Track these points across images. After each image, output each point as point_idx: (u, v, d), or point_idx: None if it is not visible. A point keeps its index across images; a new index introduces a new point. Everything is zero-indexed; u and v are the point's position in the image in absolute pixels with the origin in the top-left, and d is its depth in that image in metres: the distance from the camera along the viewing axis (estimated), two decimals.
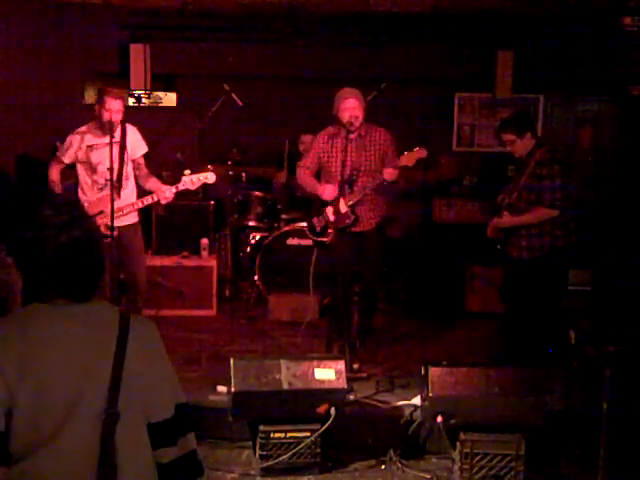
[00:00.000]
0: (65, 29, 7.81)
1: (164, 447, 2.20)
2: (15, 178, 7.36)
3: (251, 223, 7.30)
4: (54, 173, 5.47)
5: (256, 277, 6.94)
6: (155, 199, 5.36)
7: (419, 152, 5.13)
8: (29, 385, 2.05)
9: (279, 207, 7.27)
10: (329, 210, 5.36)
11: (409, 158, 5.14)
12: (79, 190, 5.47)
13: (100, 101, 5.29)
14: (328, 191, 5.32)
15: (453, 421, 4.17)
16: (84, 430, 2.07)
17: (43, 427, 2.06)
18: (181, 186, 5.38)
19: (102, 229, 5.07)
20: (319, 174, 5.57)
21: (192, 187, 5.44)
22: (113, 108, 5.20)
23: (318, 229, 5.49)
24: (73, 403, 2.06)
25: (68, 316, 2.14)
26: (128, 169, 5.39)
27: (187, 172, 5.69)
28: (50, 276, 2.15)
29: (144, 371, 2.15)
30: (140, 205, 5.40)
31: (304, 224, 6.84)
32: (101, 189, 5.34)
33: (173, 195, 5.37)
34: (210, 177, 5.46)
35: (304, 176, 5.54)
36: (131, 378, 2.11)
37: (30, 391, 2.05)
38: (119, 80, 7.76)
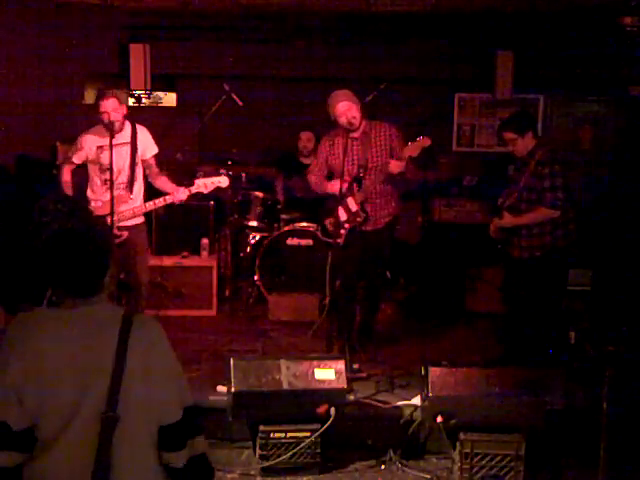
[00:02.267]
0: (65, 29, 7.80)
1: (174, 451, 2.20)
2: (15, 178, 7.36)
3: (251, 223, 7.30)
4: (66, 174, 5.47)
5: (256, 277, 6.94)
6: (168, 201, 5.37)
7: (423, 141, 5.13)
8: (32, 389, 2.06)
9: (279, 207, 7.28)
10: (340, 210, 5.37)
11: (413, 148, 5.15)
12: (89, 189, 5.48)
13: (95, 106, 5.32)
14: (334, 185, 5.33)
15: (453, 421, 4.17)
16: (85, 432, 2.07)
17: (46, 429, 2.08)
18: (194, 189, 5.40)
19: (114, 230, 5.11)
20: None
21: (205, 190, 5.46)
22: (108, 108, 5.20)
23: (331, 230, 5.48)
24: (75, 406, 2.07)
25: (70, 319, 2.15)
26: (138, 170, 5.40)
27: (200, 175, 5.69)
28: (42, 266, 2.15)
29: (148, 374, 2.14)
30: (152, 206, 5.42)
31: (304, 224, 6.86)
32: (110, 189, 5.34)
33: (187, 197, 5.39)
34: (223, 181, 5.48)
35: (314, 181, 5.56)
36: (133, 381, 2.11)
37: (34, 395, 2.06)
38: (119, 80, 7.76)
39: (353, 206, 5.29)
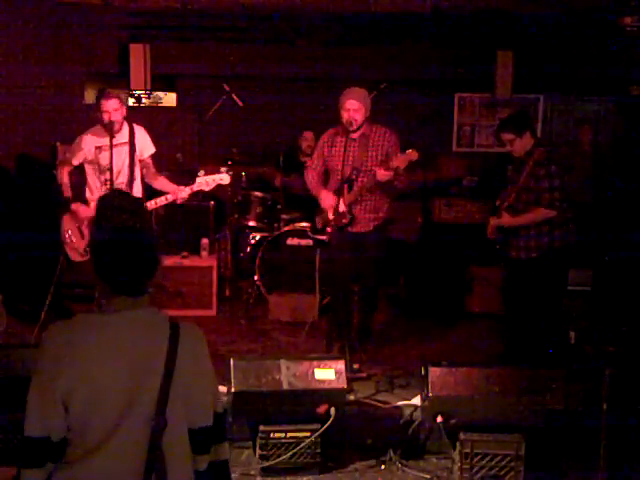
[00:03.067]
0: (65, 29, 7.81)
1: (199, 454, 2.25)
2: (15, 178, 7.36)
3: (251, 223, 7.30)
4: (64, 176, 5.45)
5: (256, 277, 6.94)
6: (170, 199, 5.37)
7: (410, 154, 5.13)
8: (82, 394, 2.07)
9: (279, 207, 7.28)
10: (329, 209, 5.37)
11: (401, 160, 5.14)
12: (87, 190, 5.48)
13: (96, 105, 5.31)
14: (326, 199, 5.35)
15: (453, 421, 4.17)
16: (133, 437, 2.09)
17: (93, 434, 2.08)
18: (196, 187, 5.39)
19: None
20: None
21: (207, 188, 5.45)
22: (109, 108, 5.20)
23: (319, 228, 5.52)
24: (125, 409, 2.08)
25: (118, 324, 2.15)
26: (136, 170, 5.40)
27: (201, 173, 5.68)
28: (101, 259, 2.16)
29: (192, 379, 2.18)
30: (154, 205, 5.41)
31: (304, 224, 6.86)
32: (108, 189, 5.34)
33: (188, 195, 5.38)
34: (225, 178, 5.48)
35: (310, 177, 5.58)
36: (179, 386, 2.14)
37: (83, 400, 2.07)
38: (119, 80, 7.77)
39: (341, 207, 5.30)
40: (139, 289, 2.19)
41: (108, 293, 2.17)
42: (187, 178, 5.47)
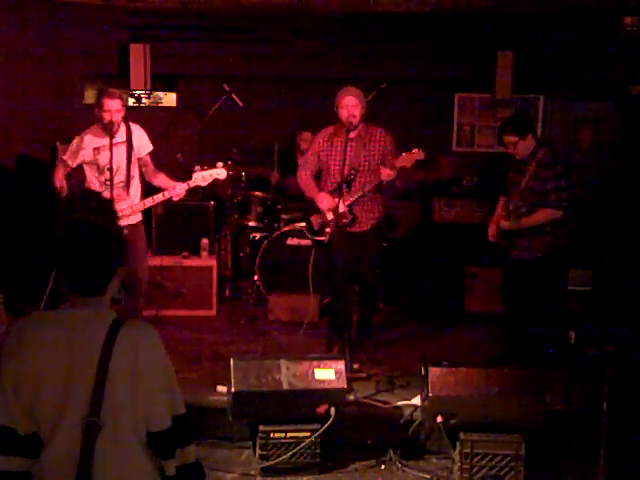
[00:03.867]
0: (65, 29, 7.80)
1: (164, 458, 2.19)
2: (15, 178, 7.36)
3: (251, 223, 7.30)
4: (60, 179, 5.44)
5: (256, 277, 6.94)
6: (167, 196, 5.36)
7: (417, 154, 5.12)
8: (27, 393, 2.07)
9: (279, 207, 7.27)
10: (328, 196, 5.37)
11: (407, 159, 5.14)
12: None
13: (98, 103, 5.29)
14: (325, 201, 5.34)
15: (453, 421, 4.17)
16: (69, 437, 2.07)
17: (42, 433, 2.09)
18: (192, 183, 5.38)
19: None
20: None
21: (203, 183, 5.44)
22: (112, 108, 5.20)
23: (316, 228, 5.50)
24: (61, 409, 2.07)
25: (60, 322, 2.14)
26: (134, 169, 5.40)
27: (197, 168, 5.69)
28: (59, 254, 2.15)
29: (135, 379, 2.11)
30: (151, 203, 5.41)
31: (304, 224, 6.85)
32: (108, 189, 5.34)
33: (185, 192, 5.38)
34: (221, 173, 5.46)
35: (304, 178, 5.55)
36: (118, 385, 2.09)
37: (28, 399, 2.07)
38: (119, 80, 7.76)
39: (341, 207, 5.29)
40: (94, 289, 2.17)
41: (67, 290, 2.17)
42: (187, 178, 5.47)
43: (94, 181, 5.40)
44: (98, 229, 2.19)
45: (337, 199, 5.26)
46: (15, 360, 2.10)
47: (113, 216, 2.35)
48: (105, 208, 2.35)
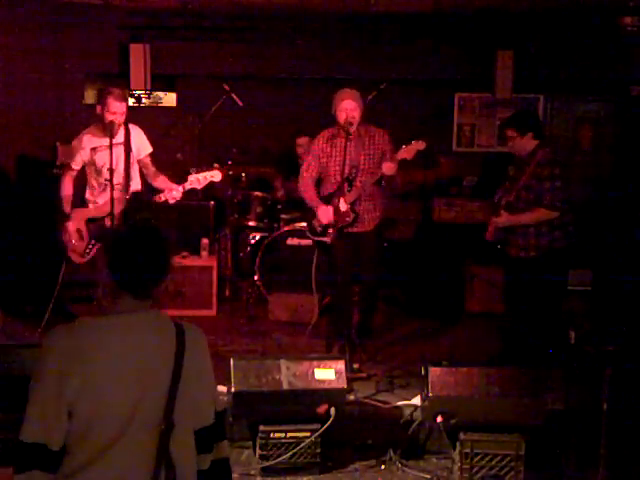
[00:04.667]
0: (65, 29, 7.80)
1: (202, 453, 2.25)
2: (15, 178, 7.36)
3: (251, 223, 7.29)
4: (67, 187, 5.42)
5: (256, 277, 6.93)
6: (163, 199, 5.35)
7: (418, 144, 5.14)
8: (89, 399, 2.04)
9: (279, 207, 7.27)
10: (329, 209, 5.37)
11: (408, 151, 5.15)
12: (87, 191, 5.47)
13: (102, 102, 5.25)
14: (325, 214, 5.34)
15: (453, 421, 4.17)
16: (139, 440, 2.07)
17: (97, 441, 2.06)
18: (188, 185, 5.37)
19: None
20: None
21: (199, 186, 5.43)
22: (117, 110, 5.18)
23: (318, 229, 5.50)
24: (129, 416, 2.06)
25: (126, 327, 2.14)
26: (132, 170, 5.39)
27: (193, 170, 5.66)
28: (118, 256, 2.16)
29: (197, 381, 2.18)
30: None
31: (304, 224, 6.84)
32: (105, 190, 5.33)
33: (181, 194, 5.37)
34: (216, 175, 5.44)
35: (307, 188, 5.53)
36: (186, 388, 2.13)
37: (88, 407, 2.04)
38: (119, 80, 7.76)
39: (343, 206, 5.29)
40: (145, 291, 2.18)
41: (113, 292, 2.16)
42: (187, 178, 5.46)
43: (93, 182, 5.39)
44: (159, 233, 2.23)
45: (339, 198, 5.25)
46: (80, 369, 2.03)
47: (166, 228, 2.38)
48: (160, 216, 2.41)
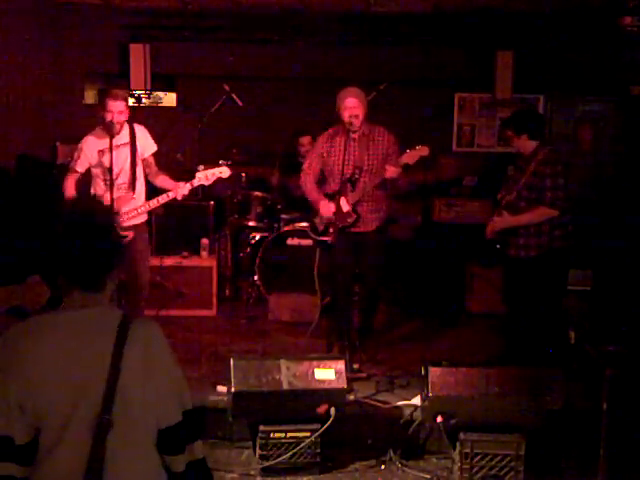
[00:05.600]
0: (65, 29, 7.81)
1: (173, 454, 2.19)
2: (15, 178, 7.36)
3: (251, 223, 7.30)
4: (70, 188, 5.40)
5: (256, 277, 6.94)
6: (171, 197, 5.34)
7: (421, 150, 5.13)
8: (33, 397, 2.04)
9: (279, 207, 7.27)
10: (330, 204, 5.37)
11: (411, 156, 5.14)
12: (92, 191, 5.46)
13: (102, 103, 5.28)
14: (326, 208, 5.34)
15: (453, 421, 4.17)
16: (82, 436, 2.05)
17: (46, 437, 2.06)
18: (196, 182, 5.36)
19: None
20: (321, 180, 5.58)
21: (207, 182, 5.42)
22: (115, 109, 5.18)
23: (320, 228, 5.49)
24: (72, 410, 2.05)
25: (68, 323, 2.12)
26: (138, 170, 5.39)
27: (201, 167, 5.64)
28: (58, 250, 2.14)
29: (146, 376, 2.12)
30: (156, 204, 5.38)
31: (304, 224, 6.85)
32: (112, 190, 5.32)
33: (188, 192, 5.37)
34: (224, 172, 5.43)
35: (308, 183, 5.53)
36: (130, 383, 2.09)
37: (35, 403, 2.04)
38: (119, 80, 7.77)
39: (345, 206, 5.29)
40: (95, 282, 2.15)
41: (66, 287, 2.14)
42: (187, 178, 5.46)
43: (100, 183, 5.38)
44: (98, 219, 2.19)
45: (341, 198, 5.25)
46: (22, 367, 2.06)
47: (110, 213, 2.35)
48: (101, 206, 2.35)
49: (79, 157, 5.37)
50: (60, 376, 2.06)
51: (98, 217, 2.22)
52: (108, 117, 5.19)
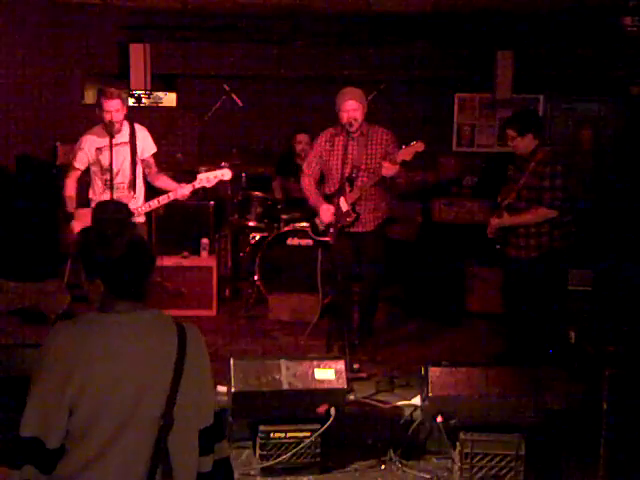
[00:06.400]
0: (65, 29, 7.81)
1: (205, 454, 2.23)
2: (15, 178, 7.36)
3: (251, 223, 7.29)
4: (71, 187, 5.40)
5: (256, 277, 6.93)
6: (172, 197, 5.35)
7: (416, 146, 5.12)
8: (90, 396, 2.04)
9: (279, 207, 7.27)
10: (330, 209, 5.37)
11: (407, 152, 5.14)
12: (90, 190, 5.46)
13: (98, 104, 5.28)
14: (325, 214, 5.34)
15: (453, 421, 4.17)
16: (138, 439, 2.07)
17: (97, 439, 2.05)
18: (197, 184, 5.36)
19: None
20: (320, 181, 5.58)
21: (208, 184, 5.42)
22: (111, 108, 5.19)
23: (321, 228, 5.49)
24: (129, 413, 2.06)
25: (128, 324, 2.14)
26: (138, 170, 5.39)
27: (202, 169, 5.63)
28: (116, 274, 2.15)
29: (197, 380, 2.18)
30: (157, 204, 5.38)
31: (304, 224, 6.85)
32: (111, 190, 5.33)
33: (189, 193, 5.37)
34: (226, 174, 5.43)
35: (308, 186, 5.53)
36: (187, 387, 2.14)
37: (89, 404, 2.04)
38: (119, 80, 7.77)
39: (344, 206, 5.29)
40: (140, 292, 2.19)
41: (109, 297, 2.15)
42: (187, 178, 5.46)
43: (98, 182, 5.39)
44: (145, 242, 2.26)
45: (340, 198, 5.25)
46: (76, 368, 2.03)
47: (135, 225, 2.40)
48: (127, 212, 2.39)
49: (78, 154, 5.38)
50: (122, 376, 2.07)
51: (128, 228, 2.24)
52: (107, 117, 5.19)
